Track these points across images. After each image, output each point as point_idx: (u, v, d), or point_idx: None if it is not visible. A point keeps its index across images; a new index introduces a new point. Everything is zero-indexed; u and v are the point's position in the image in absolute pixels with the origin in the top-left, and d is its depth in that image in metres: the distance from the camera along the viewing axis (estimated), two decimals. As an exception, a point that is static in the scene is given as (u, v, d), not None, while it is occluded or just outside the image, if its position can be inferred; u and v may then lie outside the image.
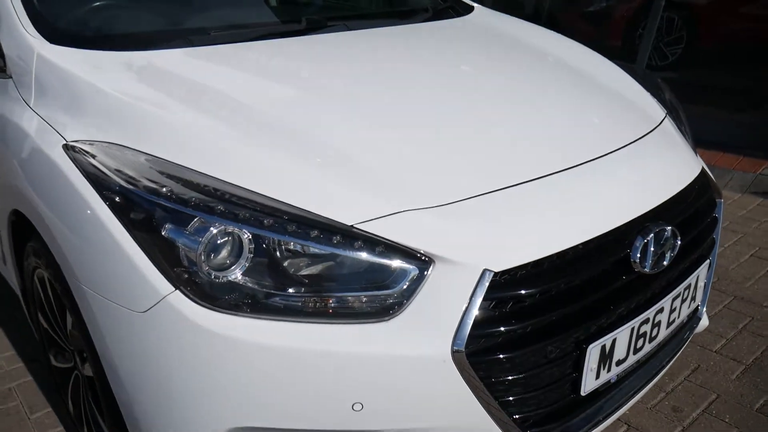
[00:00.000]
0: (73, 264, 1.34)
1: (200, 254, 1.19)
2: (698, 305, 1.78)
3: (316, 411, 1.20)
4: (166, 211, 1.23)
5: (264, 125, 1.43)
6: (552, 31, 2.47)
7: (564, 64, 2.12)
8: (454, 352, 1.20)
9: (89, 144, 1.39)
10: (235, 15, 2.09)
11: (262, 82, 1.65)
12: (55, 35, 1.72)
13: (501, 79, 1.89)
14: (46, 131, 1.49)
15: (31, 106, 1.61)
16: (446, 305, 1.22)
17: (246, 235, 1.21)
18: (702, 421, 2.01)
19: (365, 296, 1.22)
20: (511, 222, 1.32)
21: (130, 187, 1.27)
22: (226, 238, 1.21)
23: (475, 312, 1.22)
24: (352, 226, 1.23)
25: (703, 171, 1.80)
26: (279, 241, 1.22)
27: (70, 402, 1.84)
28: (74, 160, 1.36)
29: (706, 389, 2.14)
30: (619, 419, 1.97)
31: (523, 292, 1.28)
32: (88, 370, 1.56)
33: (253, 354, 1.17)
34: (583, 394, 1.40)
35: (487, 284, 1.23)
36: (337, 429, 1.22)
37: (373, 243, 1.23)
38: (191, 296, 1.19)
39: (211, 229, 1.20)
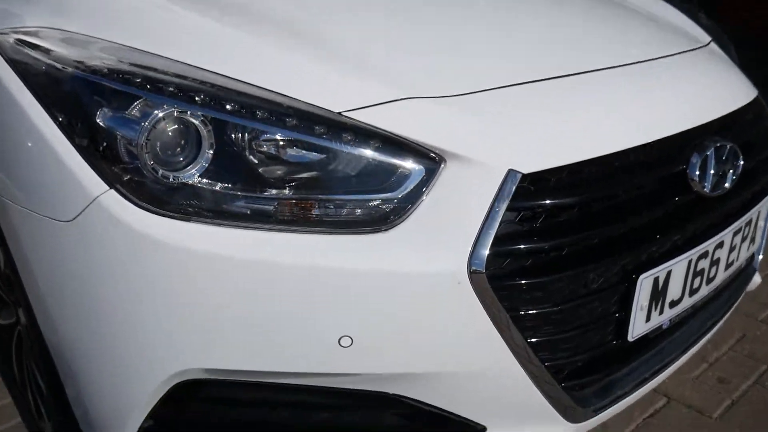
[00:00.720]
0: (-7, 172, 1.07)
1: (142, 144, 0.92)
2: (754, 253, 1.51)
3: (293, 347, 0.92)
4: (104, 92, 0.96)
5: (238, 7, 1.16)
6: None
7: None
8: (471, 273, 0.92)
9: (29, 34, 1.12)
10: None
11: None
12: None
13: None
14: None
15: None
16: (461, 214, 0.94)
17: (204, 125, 0.93)
18: (753, 394, 1.73)
19: (357, 200, 0.94)
20: (542, 118, 1.05)
21: (57, 65, 1.00)
22: (179, 127, 0.94)
23: (497, 223, 0.94)
24: (340, 113, 0.96)
25: (759, 98, 1.53)
26: (246, 130, 0.94)
27: (14, 365, 1.57)
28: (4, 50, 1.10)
29: (754, 360, 1.86)
30: (656, 391, 1.69)
31: (557, 202, 1.00)
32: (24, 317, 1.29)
33: (212, 269, 0.89)
34: (630, 339, 1.12)
35: (512, 189, 0.95)
36: (320, 372, 0.94)
37: (367, 135, 0.95)
38: (131, 197, 0.91)
39: (156, 112, 0.92)
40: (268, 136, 0.95)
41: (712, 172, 1.19)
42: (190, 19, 1.11)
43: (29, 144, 1.00)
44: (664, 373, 1.26)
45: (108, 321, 0.95)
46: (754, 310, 2.10)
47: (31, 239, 1.01)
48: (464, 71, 1.09)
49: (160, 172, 0.93)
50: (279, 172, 0.95)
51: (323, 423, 1.02)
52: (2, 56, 1.08)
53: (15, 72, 1.05)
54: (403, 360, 0.94)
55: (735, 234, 1.30)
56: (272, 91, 0.97)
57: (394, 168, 0.95)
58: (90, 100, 0.96)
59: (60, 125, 0.97)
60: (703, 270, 1.23)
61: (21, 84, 1.04)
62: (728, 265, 1.32)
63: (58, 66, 1.01)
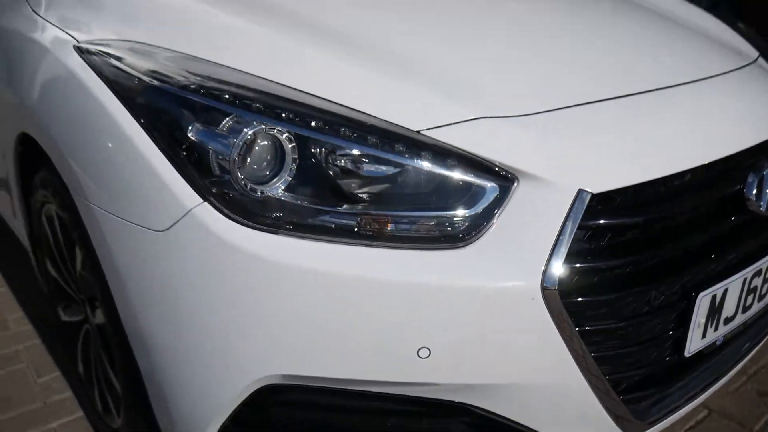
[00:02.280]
0: (82, 181, 1.13)
1: (234, 159, 0.97)
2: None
3: (371, 357, 0.97)
4: (195, 107, 1.01)
5: (315, 26, 1.21)
6: None
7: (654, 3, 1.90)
8: (544, 289, 0.96)
9: (105, 45, 1.18)
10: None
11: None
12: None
13: (591, 11, 1.65)
14: (57, 36, 1.28)
15: (41, 14, 1.41)
16: (533, 232, 0.99)
17: (289, 140, 0.98)
18: (793, 408, 1.75)
19: (435, 217, 0.99)
20: (608, 138, 1.09)
21: (153, 83, 1.05)
22: (266, 143, 0.99)
23: (568, 242, 0.98)
24: (418, 131, 1.01)
25: None
26: (329, 147, 0.99)
27: (80, 361, 1.64)
28: (89, 62, 1.15)
29: (794, 374, 1.88)
30: (697, 403, 1.72)
31: (623, 221, 1.04)
32: (100, 318, 1.35)
33: (299, 280, 0.94)
34: (686, 355, 1.16)
35: (582, 209, 1.00)
36: (398, 381, 0.99)
37: (443, 153, 1.00)
38: (223, 209, 0.97)
39: (245, 129, 0.98)
40: (349, 152, 0.99)
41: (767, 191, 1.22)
42: (268, 35, 1.16)
43: (122, 155, 1.05)
44: (713, 387, 1.30)
45: (196, 326, 1.00)
46: (792, 323, 2.11)
47: (121, 246, 1.07)
48: (534, 91, 1.13)
49: (249, 185, 0.98)
50: (359, 187, 1.00)
51: (392, 429, 1.07)
52: (93, 70, 1.14)
53: (105, 84, 1.11)
54: (476, 371, 0.99)
55: (787, 253, 1.33)
56: (353, 109, 1.02)
57: (469, 186, 1.00)
58: (181, 114, 1.01)
59: (153, 138, 1.02)
60: (756, 287, 1.26)
61: (111, 95, 1.09)
62: (779, 283, 1.35)
63: (146, 79, 1.07)
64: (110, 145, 1.08)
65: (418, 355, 0.96)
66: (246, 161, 0.98)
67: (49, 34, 1.32)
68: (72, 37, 1.25)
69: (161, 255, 1.01)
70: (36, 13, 1.43)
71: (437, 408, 1.04)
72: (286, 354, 0.98)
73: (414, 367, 0.97)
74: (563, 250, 0.97)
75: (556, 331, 0.98)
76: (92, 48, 1.18)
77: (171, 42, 1.14)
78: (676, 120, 1.20)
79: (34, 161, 1.47)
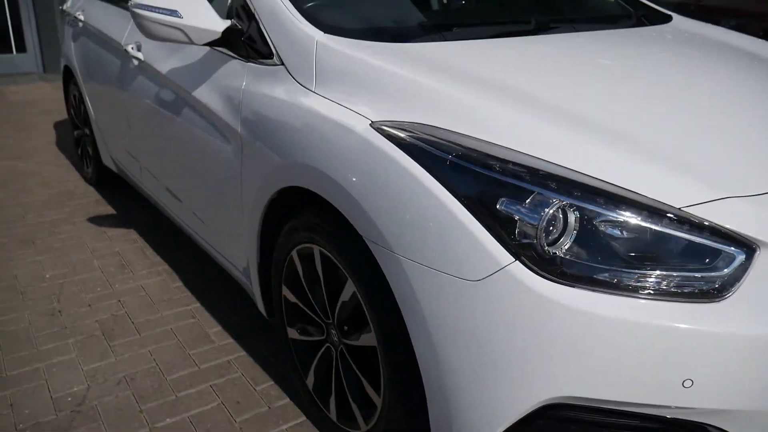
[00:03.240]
0: (387, 234, 1.42)
1: (540, 228, 1.26)
2: None
3: (645, 385, 1.24)
4: (501, 184, 1.30)
5: (565, 114, 1.49)
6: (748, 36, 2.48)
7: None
8: (789, 335, 1.22)
9: (398, 125, 1.48)
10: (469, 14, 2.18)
11: (532, 72, 1.72)
12: (326, 28, 1.84)
13: (749, 81, 1.91)
14: (343, 113, 1.59)
15: (313, 90, 1.73)
16: (774, 290, 1.24)
17: (575, 212, 1.26)
18: None
19: (693, 276, 1.25)
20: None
21: (460, 161, 1.35)
22: (559, 214, 1.27)
23: (801, 295, 1.24)
24: (680, 208, 1.28)
25: None
26: (606, 218, 1.27)
27: (312, 374, 1.94)
28: (389, 137, 1.46)
29: None
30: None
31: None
32: (365, 340, 1.64)
33: (589, 324, 1.22)
34: None
35: (811, 272, 1.25)
36: (662, 404, 1.25)
37: (699, 226, 1.26)
38: (531, 267, 1.25)
39: (550, 203, 1.26)
40: (625, 223, 1.27)
41: None
42: (550, 128, 1.45)
43: (437, 218, 1.34)
44: None
45: (495, 355, 1.29)
46: None
47: (425, 289, 1.36)
48: (757, 173, 1.39)
49: (546, 247, 1.26)
50: (634, 251, 1.27)
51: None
52: (395, 144, 1.44)
53: (410, 157, 1.41)
54: (726, 399, 1.25)
55: None
56: (627, 189, 1.29)
57: (721, 252, 1.26)
58: (490, 189, 1.31)
59: (465, 206, 1.31)
60: None
61: (419, 167, 1.39)
62: None
63: (454, 160, 1.36)
64: (426, 209, 1.36)
65: (683, 386, 1.23)
66: (548, 229, 1.27)
67: (331, 108, 1.63)
68: (359, 114, 1.56)
69: (470, 299, 1.29)
70: (306, 88, 1.75)
71: (691, 428, 1.30)
72: (573, 379, 1.25)
73: (677, 394, 1.23)
74: (799, 303, 1.23)
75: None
76: (387, 127, 1.49)
77: (454, 126, 1.44)
78: None
79: (288, 209, 1.80)
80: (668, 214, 1.27)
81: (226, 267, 2.41)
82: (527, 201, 1.28)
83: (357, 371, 1.72)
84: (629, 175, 1.32)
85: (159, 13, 1.97)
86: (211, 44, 2.06)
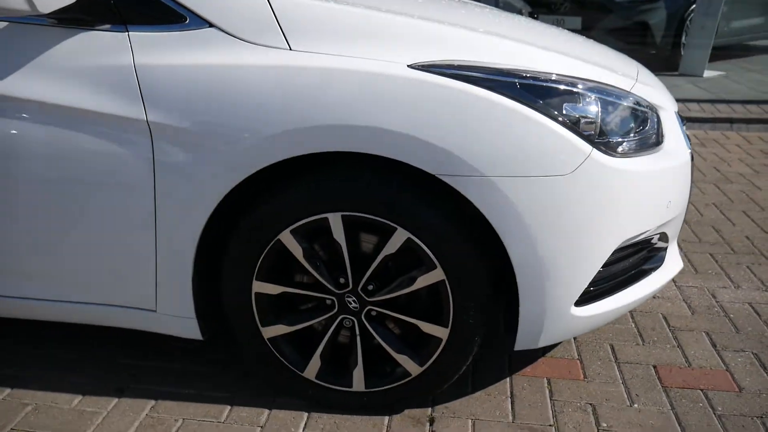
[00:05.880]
0: (473, 161, 1.53)
1: (597, 120, 1.63)
2: None
3: (655, 212, 1.79)
4: (561, 93, 1.62)
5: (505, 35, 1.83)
6: None
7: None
8: None
9: (434, 63, 1.58)
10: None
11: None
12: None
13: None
14: (363, 63, 1.58)
15: (290, 48, 1.58)
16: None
17: (609, 105, 1.69)
18: None
19: (650, 133, 1.82)
20: None
21: (527, 81, 1.58)
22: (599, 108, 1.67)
23: None
24: (629, 91, 1.82)
25: None
26: (620, 105, 1.74)
27: (316, 361, 1.78)
28: (442, 75, 1.56)
29: None
30: None
31: None
32: (410, 285, 1.67)
33: (641, 178, 1.70)
34: None
35: None
36: (660, 224, 1.82)
37: (643, 102, 1.84)
38: (603, 150, 1.62)
39: (592, 98, 1.65)
40: (625, 107, 1.75)
41: None
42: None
43: (523, 132, 1.56)
44: None
45: (581, 236, 1.63)
46: None
47: (526, 198, 1.55)
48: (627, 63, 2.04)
49: (604, 134, 1.65)
50: (629, 125, 1.75)
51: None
52: (456, 80, 1.55)
53: (476, 86, 1.56)
54: (679, 209, 1.89)
55: None
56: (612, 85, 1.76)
57: (653, 115, 1.86)
58: (556, 97, 1.61)
59: (542, 113, 1.57)
60: None
61: (491, 93, 1.56)
62: None
63: (518, 80, 1.59)
64: (502, 127, 1.54)
65: (667, 207, 1.82)
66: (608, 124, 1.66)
67: (345, 62, 1.57)
68: (388, 61, 1.58)
69: (565, 190, 1.57)
70: (275, 47, 1.58)
71: (660, 238, 1.91)
72: (630, 223, 1.71)
73: (665, 213, 1.82)
74: None
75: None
76: (429, 66, 1.58)
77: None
78: None
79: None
80: (630, 98, 1.79)
81: (111, 321, 1.85)
82: (582, 103, 1.63)
83: (404, 319, 1.72)
84: (593, 74, 1.79)
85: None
86: (59, 18, 1.53)
